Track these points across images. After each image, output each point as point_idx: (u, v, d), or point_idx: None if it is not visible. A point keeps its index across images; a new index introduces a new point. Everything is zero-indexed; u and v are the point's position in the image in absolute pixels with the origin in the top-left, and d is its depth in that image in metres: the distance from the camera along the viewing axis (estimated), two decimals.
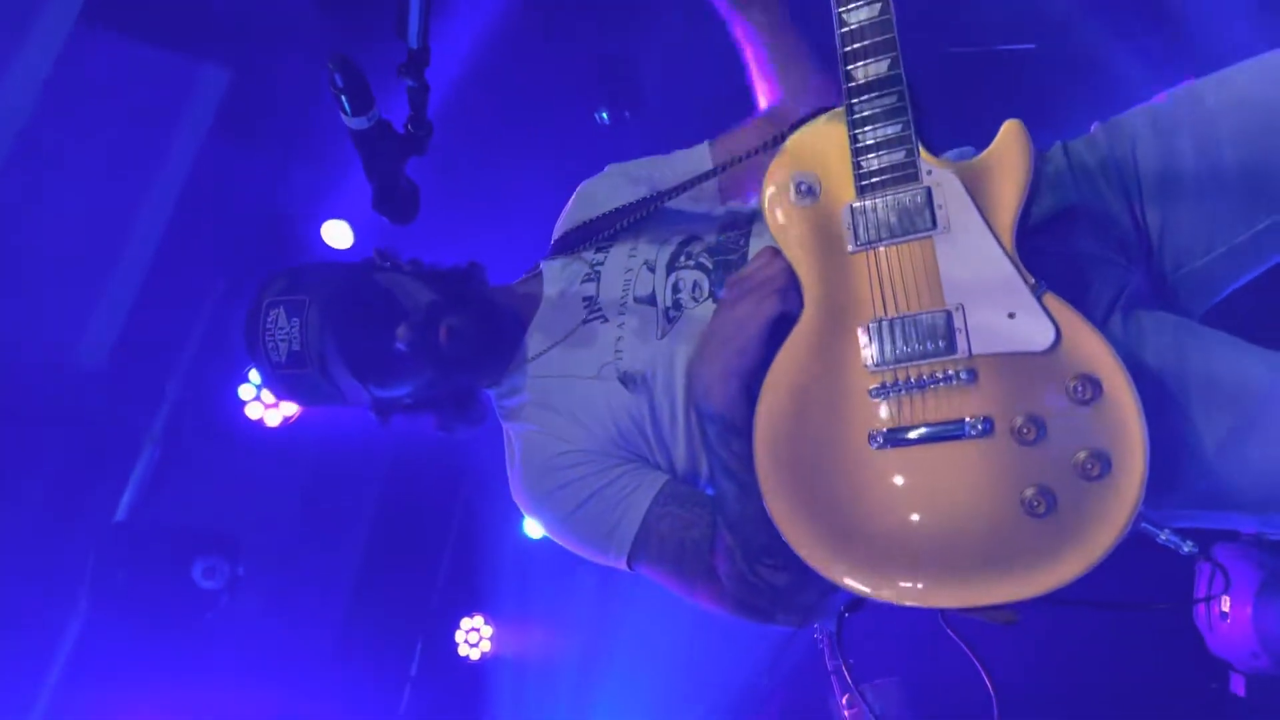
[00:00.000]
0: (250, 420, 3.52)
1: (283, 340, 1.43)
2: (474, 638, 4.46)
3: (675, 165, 1.70)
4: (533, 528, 4.58)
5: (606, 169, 1.78)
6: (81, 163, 3.23)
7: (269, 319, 1.45)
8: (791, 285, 1.30)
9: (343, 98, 1.29)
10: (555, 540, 1.52)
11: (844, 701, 3.59)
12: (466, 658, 4.44)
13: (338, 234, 3.60)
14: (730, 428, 1.31)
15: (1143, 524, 1.13)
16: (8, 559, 3.19)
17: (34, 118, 3.09)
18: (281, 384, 1.50)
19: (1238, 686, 3.27)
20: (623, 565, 1.44)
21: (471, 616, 4.47)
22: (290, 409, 3.55)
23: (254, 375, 3.52)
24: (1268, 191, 1.37)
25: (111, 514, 3.37)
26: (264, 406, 3.52)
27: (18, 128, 3.10)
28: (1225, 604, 3.14)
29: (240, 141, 3.45)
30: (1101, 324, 1.30)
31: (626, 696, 4.25)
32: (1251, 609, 3.02)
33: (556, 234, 1.75)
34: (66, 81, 3.15)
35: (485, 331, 1.52)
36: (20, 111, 3.09)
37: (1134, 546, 1.23)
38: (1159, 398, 1.25)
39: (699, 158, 1.69)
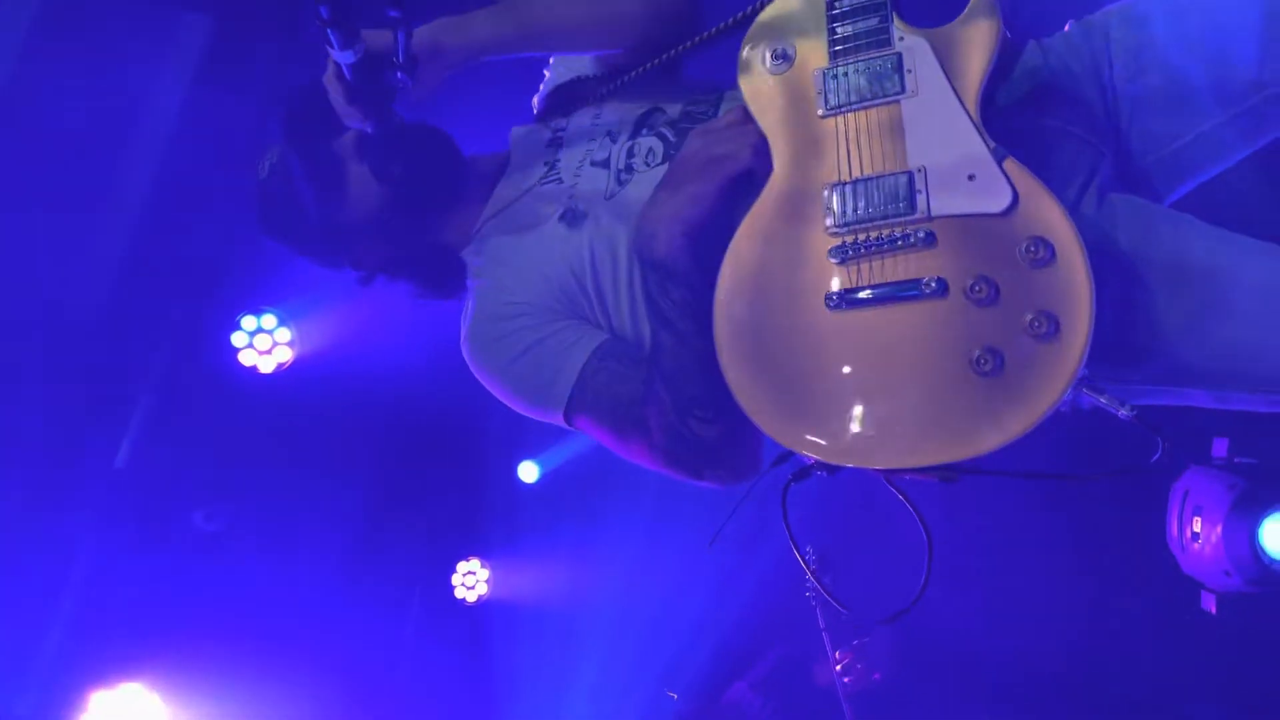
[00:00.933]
0: (244, 367, 3.56)
1: (261, 165, 1.69)
2: (470, 580, 4.54)
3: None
4: (527, 471, 4.66)
5: None
6: (68, 113, 3.25)
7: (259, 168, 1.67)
8: (760, 145, 1.34)
9: (330, 31, 1.30)
10: (497, 395, 1.54)
11: (836, 656, 3.64)
12: (463, 600, 4.53)
13: None
14: (671, 275, 1.34)
15: (1084, 389, 1.16)
16: (8, 508, 3.25)
17: (16, 67, 3.11)
18: (261, 204, 1.69)
19: (1208, 604, 3.37)
20: (559, 419, 1.47)
21: (468, 560, 4.55)
22: (284, 355, 3.60)
23: (246, 322, 3.56)
24: (1231, 84, 1.40)
25: (111, 461, 3.41)
26: (258, 354, 3.57)
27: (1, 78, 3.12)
28: (1196, 525, 3.22)
29: (224, 86, 3.47)
30: (1074, 203, 1.34)
31: (618, 638, 4.33)
32: (1222, 529, 3.11)
33: (535, 102, 1.80)
34: (50, 29, 3.16)
35: (428, 151, 1.61)
36: (3, 63, 3.11)
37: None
38: (1126, 275, 1.30)
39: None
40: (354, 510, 4.19)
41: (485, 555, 4.60)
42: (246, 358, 3.56)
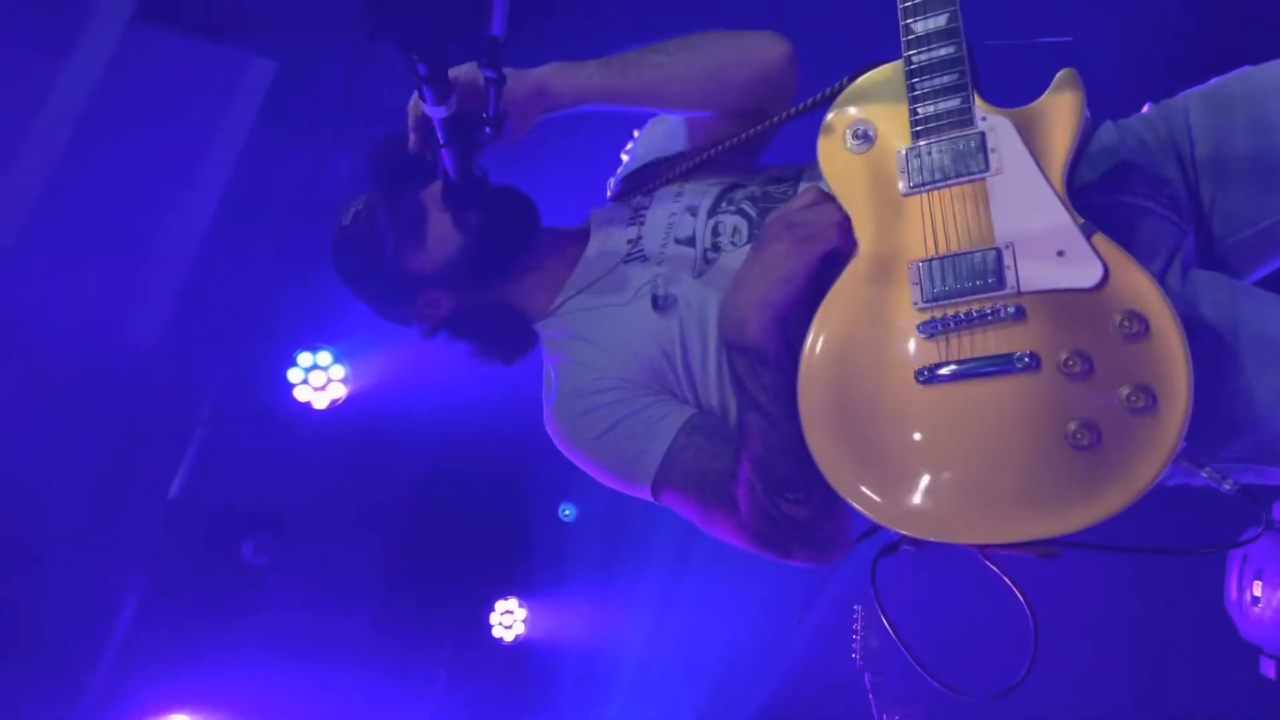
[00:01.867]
0: (298, 403, 3.61)
1: (345, 211, 1.74)
2: (508, 619, 4.54)
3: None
4: (568, 512, 4.67)
5: (650, 121, 1.84)
6: (133, 151, 3.34)
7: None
8: (843, 222, 1.35)
9: (425, 87, 1.34)
10: (583, 468, 1.55)
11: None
12: (500, 639, 4.52)
13: None
14: (762, 359, 1.34)
15: (1184, 462, 1.16)
16: (64, 538, 3.31)
17: (90, 106, 3.20)
18: (339, 249, 1.73)
19: (1268, 670, 3.30)
20: (646, 493, 1.48)
21: (505, 599, 4.55)
22: (338, 392, 3.65)
23: (302, 359, 3.61)
24: None
25: (165, 493, 3.46)
26: (312, 390, 3.62)
27: (75, 115, 3.21)
28: (1257, 589, 3.16)
29: (286, 128, 3.55)
30: (1160, 277, 1.34)
31: (656, 681, 4.30)
32: None
33: (613, 188, 1.83)
34: (121, 72, 3.26)
35: (507, 207, 1.65)
36: (77, 100, 3.21)
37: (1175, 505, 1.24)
38: (1213, 351, 1.29)
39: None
40: (396, 545, 4.22)
41: (524, 595, 4.60)
42: (301, 394, 3.61)
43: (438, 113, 1.39)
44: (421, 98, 1.37)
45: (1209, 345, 1.28)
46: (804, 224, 1.36)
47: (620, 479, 1.51)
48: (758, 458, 1.35)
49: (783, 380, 1.33)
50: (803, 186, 1.54)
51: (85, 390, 3.53)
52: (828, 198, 1.38)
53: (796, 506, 1.34)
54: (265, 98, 3.58)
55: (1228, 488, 1.16)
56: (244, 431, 3.56)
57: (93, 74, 3.26)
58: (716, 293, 1.48)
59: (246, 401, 3.57)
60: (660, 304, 1.52)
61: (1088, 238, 1.21)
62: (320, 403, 3.60)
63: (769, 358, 1.34)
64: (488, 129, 1.45)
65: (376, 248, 1.67)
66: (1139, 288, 1.17)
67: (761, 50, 1.59)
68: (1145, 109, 1.56)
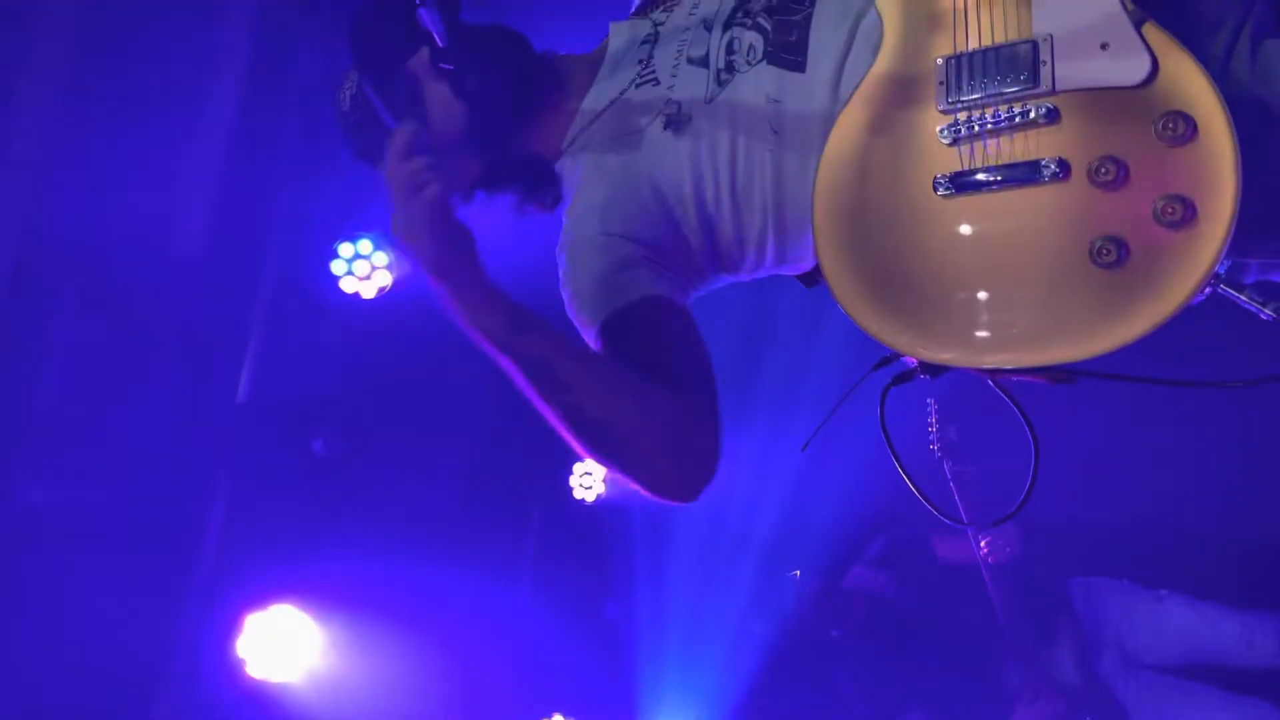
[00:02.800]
0: (346, 294, 3.60)
1: (340, 95, 1.67)
2: (587, 480, 4.61)
3: None
4: None
5: None
6: (150, 50, 3.26)
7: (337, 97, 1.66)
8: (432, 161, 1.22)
9: None
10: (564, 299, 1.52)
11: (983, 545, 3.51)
12: (582, 500, 4.61)
13: None
14: (511, 328, 1.24)
15: (1221, 285, 1.05)
16: (150, 451, 3.43)
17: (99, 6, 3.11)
18: (346, 135, 1.68)
19: None
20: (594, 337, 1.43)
21: (583, 460, 4.61)
22: (384, 279, 3.62)
23: (343, 249, 3.59)
24: None
25: (233, 396, 3.53)
26: (357, 280, 3.60)
27: (86, 20, 3.12)
28: None
29: (305, 9, 3.43)
30: (1224, 60, 1.20)
31: (731, 530, 4.35)
32: None
33: None
34: None
35: (502, 58, 1.56)
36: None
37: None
38: (1277, 131, 1.16)
39: None
40: (467, 423, 4.28)
41: None
42: (348, 285, 3.60)
43: None
44: None
45: (1271, 124, 1.14)
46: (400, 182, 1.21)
47: (575, 316, 1.47)
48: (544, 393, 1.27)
49: (543, 338, 1.23)
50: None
51: (141, 306, 3.57)
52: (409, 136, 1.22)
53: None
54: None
55: (1269, 313, 1.05)
56: (298, 329, 3.58)
57: None
58: (731, 118, 1.39)
59: (296, 299, 3.57)
60: (674, 125, 1.44)
61: (1137, 26, 1.07)
62: (368, 292, 3.58)
63: (508, 322, 1.24)
64: None
65: (380, 128, 1.61)
66: (1191, 84, 1.03)
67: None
68: None
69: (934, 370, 1.15)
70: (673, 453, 1.29)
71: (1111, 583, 3.51)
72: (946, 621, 3.57)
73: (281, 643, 3.22)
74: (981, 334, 1.10)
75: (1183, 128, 1.03)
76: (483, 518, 4.20)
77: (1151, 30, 1.07)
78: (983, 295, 1.10)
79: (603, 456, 1.27)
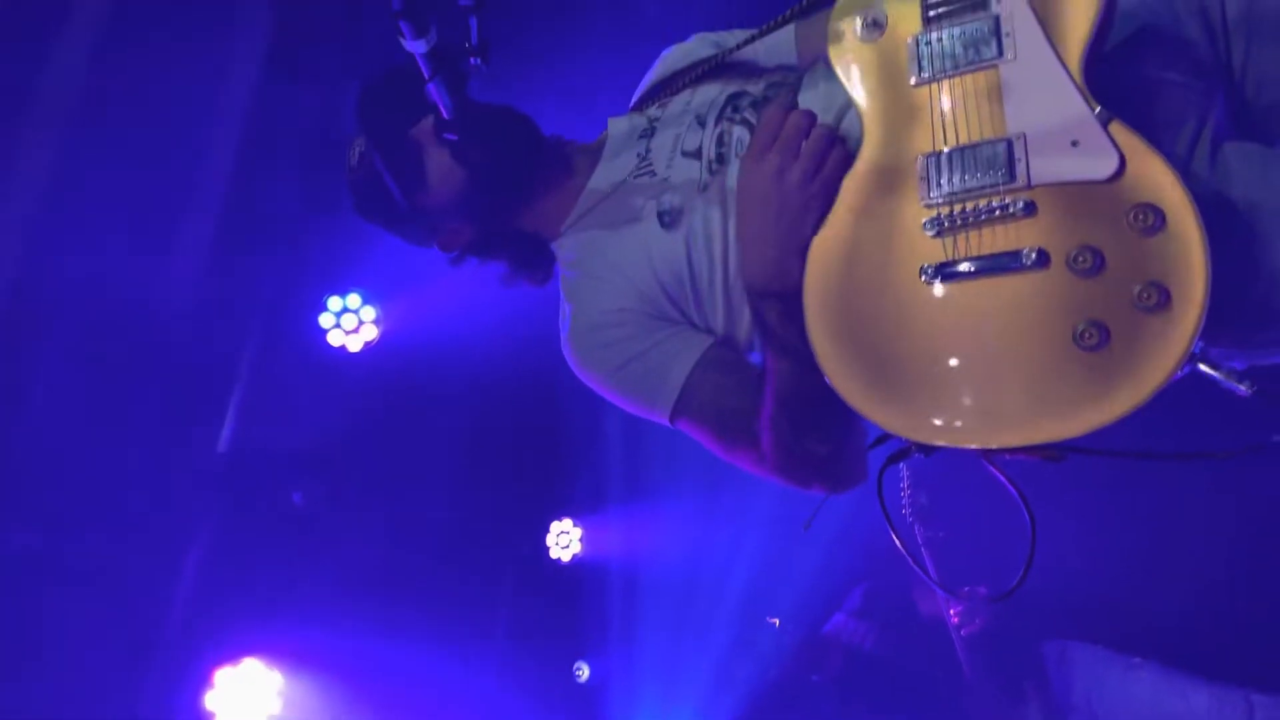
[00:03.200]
0: (333, 347, 3.63)
1: (350, 154, 1.72)
2: (564, 540, 4.61)
3: (760, 45, 1.67)
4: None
5: (692, 37, 1.80)
6: (145, 110, 3.31)
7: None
8: (834, 136, 1.30)
9: (401, 22, 1.30)
10: (603, 395, 1.57)
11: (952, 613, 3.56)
12: (559, 560, 4.61)
13: None
14: (796, 305, 1.30)
15: (1199, 364, 1.10)
16: (127, 498, 3.41)
17: (92, 63, 3.16)
18: (352, 193, 1.72)
19: None
20: (665, 421, 1.49)
21: (560, 519, 4.62)
22: (370, 333, 3.66)
23: (332, 303, 3.62)
24: None
25: (214, 446, 3.52)
26: (344, 333, 3.63)
27: (82, 81, 3.18)
28: None
29: (292, 73, 3.50)
30: (1185, 161, 1.27)
31: (708, 585, 4.35)
32: None
33: (637, 95, 1.79)
34: (123, 33, 3.21)
35: (506, 134, 1.61)
36: (83, 65, 3.17)
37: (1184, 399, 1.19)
38: (1246, 237, 1.22)
39: (784, 40, 1.68)
40: (446, 478, 4.28)
41: (576, 515, 4.67)
42: (334, 338, 3.63)
43: (418, 47, 1.35)
44: (400, 33, 1.33)
45: (1241, 230, 1.21)
46: (806, 152, 1.31)
47: (639, 409, 1.52)
48: (786, 401, 1.34)
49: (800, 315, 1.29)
50: (803, 94, 1.48)
51: (126, 353, 3.58)
52: (810, 117, 1.33)
53: (820, 445, 1.34)
54: (269, 45, 3.52)
55: (1244, 389, 1.10)
56: (283, 380, 3.60)
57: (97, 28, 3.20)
58: (721, 208, 1.44)
59: (282, 351, 3.59)
60: (668, 221, 1.49)
61: (1104, 126, 1.14)
62: (354, 345, 3.62)
63: (791, 295, 1.30)
64: (474, 59, 1.40)
65: (384, 189, 1.66)
66: (1156, 178, 1.10)
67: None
68: None
69: (928, 449, 1.19)
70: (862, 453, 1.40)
71: (1085, 647, 3.55)
72: (922, 674, 3.60)
73: (251, 698, 3.18)
74: (972, 416, 1.15)
75: (1152, 218, 1.09)
76: (459, 575, 4.19)
77: (1118, 128, 1.14)
78: (971, 379, 1.15)
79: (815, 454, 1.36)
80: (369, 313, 3.63)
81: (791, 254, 1.30)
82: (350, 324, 3.61)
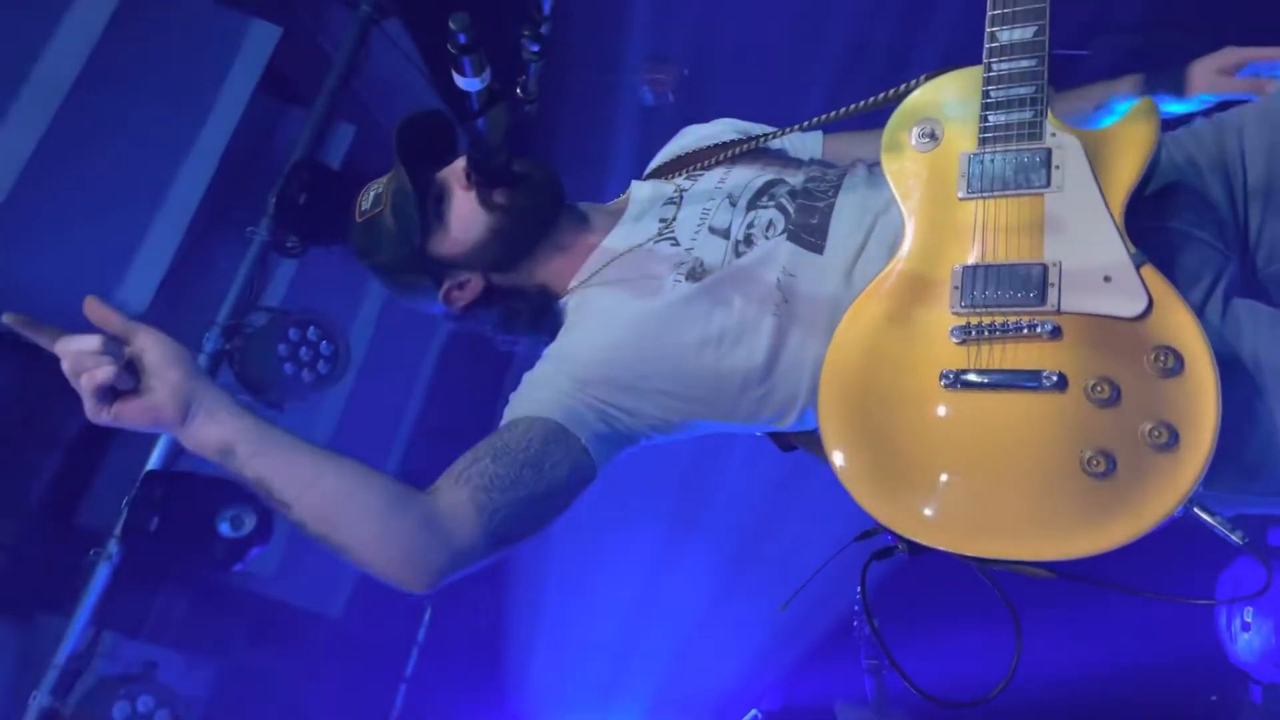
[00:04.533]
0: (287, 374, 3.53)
1: (364, 194, 1.70)
2: None
3: (787, 137, 1.72)
4: None
5: (717, 120, 1.82)
6: (126, 113, 3.25)
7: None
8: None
9: (463, 58, 1.30)
10: None
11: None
12: None
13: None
14: (222, 454, 1.30)
15: (1195, 508, 1.14)
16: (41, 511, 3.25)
17: (83, 71, 3.10)
18: (362, 235, 1.69)
19: (1256, 695, 3.32)
20: None
21: None
22: (325, 368, 3.57)
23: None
24: None
25: (142, 464, 3.38)
26: (300, 363, 3.53)
27: (70, 78, 3.11)
28: (1248, 615, 3.18)
29: (287, 96, 3.47)
30: (1200, 307, 1.33)
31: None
32: (1275, 622, 3.07)
33: (655, 162, 1.80)
34: (114, 38, 3.17)
35: (533, 184, 1.62)
36: (73, 64, 3.11)
37: (1176, 538, 1.23)
38: (1248, 393, 1.27)
39: (812, 140, 1.74)
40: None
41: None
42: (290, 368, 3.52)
43: (474, 84, 1.35)
44: (458, 70, 1.33)
45: (1244, 385, 1.26)
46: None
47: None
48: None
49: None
50: (842, 194, 1.51)
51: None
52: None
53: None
54: (269, 64, 3.49)
55: (1236, 540, 1.14)
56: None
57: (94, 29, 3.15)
58: (741, 286, 1.46)
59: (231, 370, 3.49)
60: (693, 277, 1.49)
61: (1137, 268, 1.19)
62: (308, 378, 3.52)
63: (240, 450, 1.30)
64: (526, 106, 1.41)
65: (400, 231, 1.62)
66: (1181, 325, 1.15)
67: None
68: (1195, 121, 1.53)
69: (915, 549, 1.20)
70: (387, 571, 1.34)
71: None
72: None
73: None
74: (970, 523, 1.17)
75: (1172, 362, 1.14)
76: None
77: (1149, 272, 1.19)
78: (975, 486, 1.18)
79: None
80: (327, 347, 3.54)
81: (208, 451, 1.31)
82: (307, 356, 3.50)
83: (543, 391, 1.45)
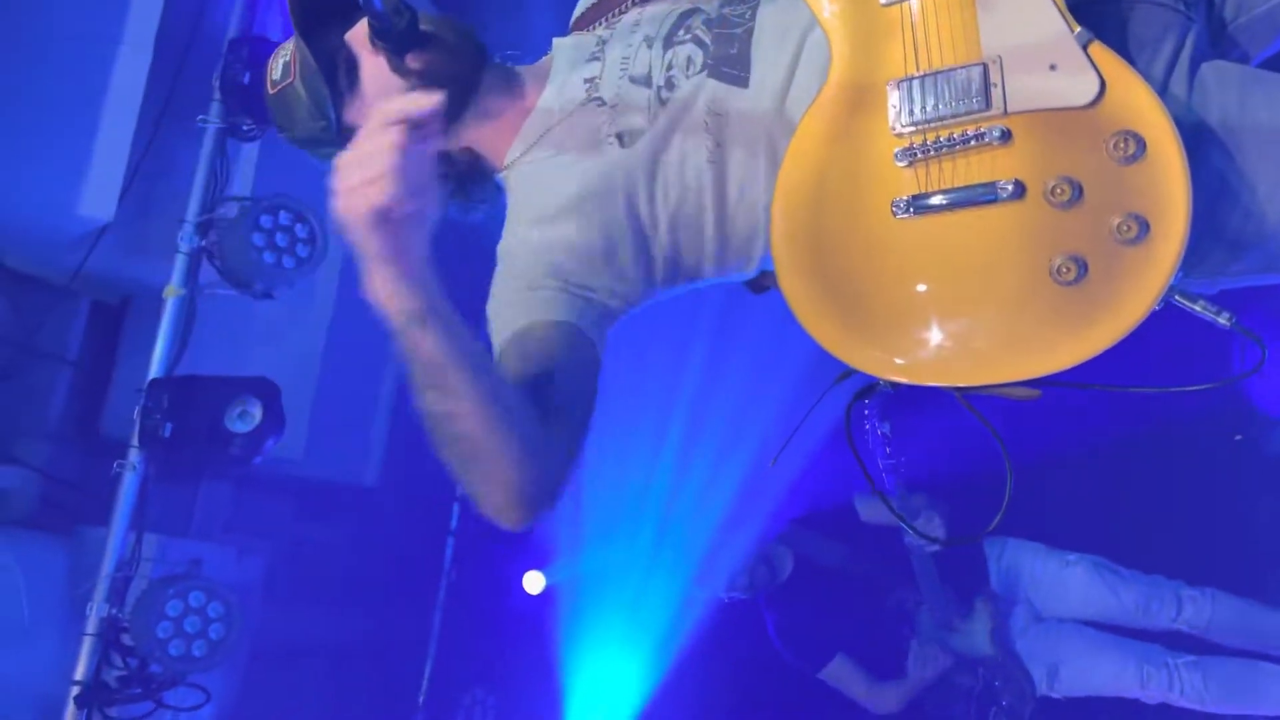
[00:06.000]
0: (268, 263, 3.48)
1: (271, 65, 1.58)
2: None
3: None
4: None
5: None
6: (46, 20, 3.10)
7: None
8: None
9: None
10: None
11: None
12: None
13: None
14: (415, 320, 1.11)
15: (1176, 297, 1.09)
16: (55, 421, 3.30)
17: None
18: (276, 108, 1.59)
19: None
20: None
21: None
22: (304, 252, 3.51)
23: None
24: None
25: (145, 373, 3.40)
26: (279, 249, 3.47)
27: None
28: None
29: None
30: (1163, 82, 1.23)
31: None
32: None
33: (577, 11, 1.68)
34: None
35: (448, 46, 1.49)
36: None
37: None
38: (1219, 156, 1.20)
39: None
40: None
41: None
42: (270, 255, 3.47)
43: None
44: None
45: (1217, 157, 1.18)
46: (350, 184, 1.06)
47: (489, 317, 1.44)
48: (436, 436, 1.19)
49: (459, 346, 1.12)
50: (761, 11, 1.40)
51: (45, 276, 3.42)
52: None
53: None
54: None
55: (1224, 323, 1.09)
56: (219, 298, 3.46)
57: None
58: (670, 136, 1.38)
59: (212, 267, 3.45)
60: (626, 140, 1.42)
61: (1084, 47, 1.09)
62: (289, 263, 3.47)
63: (425, 312, 1.11)
64: None
65: (313, 103, 1.54)
66: (1138, 104, 1.06)
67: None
68: None
69: (896, 384, 1.17)
70: (516, 493, 1.21)
71: (1021, 544, 3.68)
72: (872, 582, 3.70)
73: None
74: (946, 353, 1.13)
75: (1133, 147, 1.06)
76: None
77: (1098, 50, 1.09)
78: (945, 316, 1.13)
79: (452, 464, 1.20)
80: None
81: (385, 284, 1.10)
82: (285, 242, 3.43)
83: (526, 296, 1.38)
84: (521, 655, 4.52)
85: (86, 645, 2.95)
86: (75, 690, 2.89)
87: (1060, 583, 3.65)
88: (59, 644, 3.04)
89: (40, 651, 3.03)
